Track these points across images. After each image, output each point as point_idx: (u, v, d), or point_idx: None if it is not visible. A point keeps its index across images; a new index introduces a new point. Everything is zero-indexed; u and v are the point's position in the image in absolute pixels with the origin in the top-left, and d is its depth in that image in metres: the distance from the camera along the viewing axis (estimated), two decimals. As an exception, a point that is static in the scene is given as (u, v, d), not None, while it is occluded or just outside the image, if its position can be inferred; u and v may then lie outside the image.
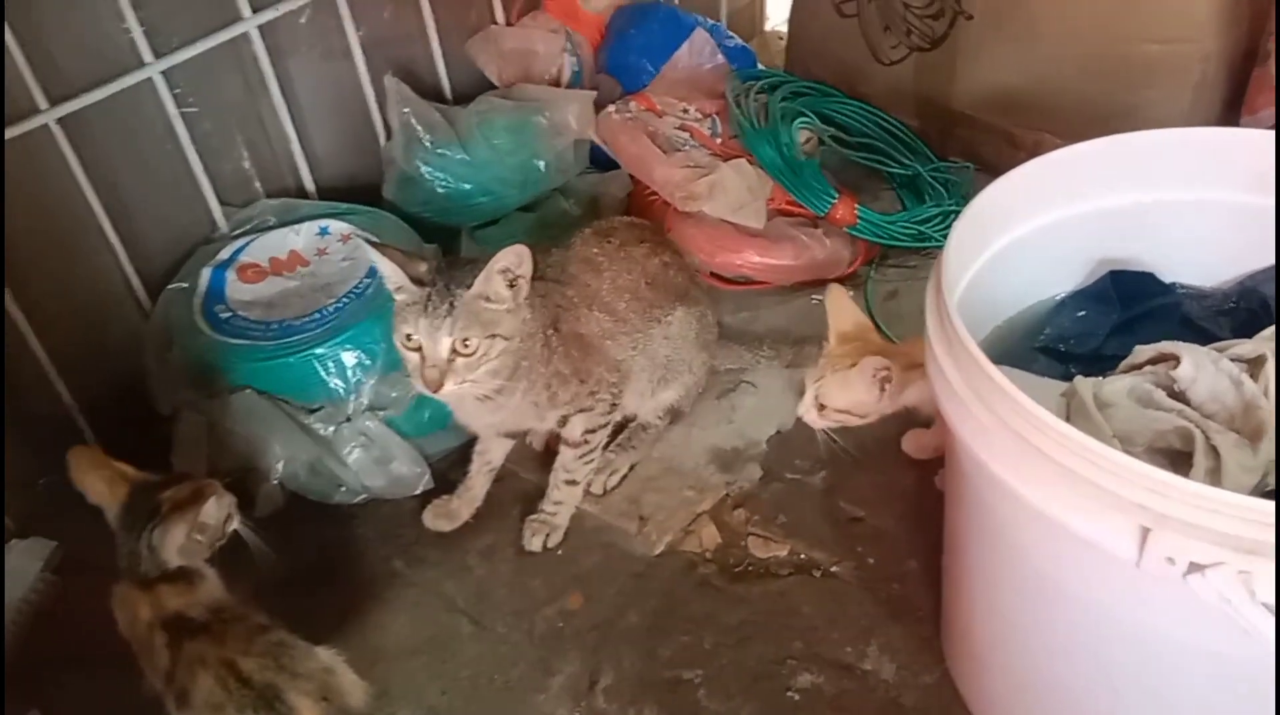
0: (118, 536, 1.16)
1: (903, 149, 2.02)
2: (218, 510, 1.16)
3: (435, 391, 1.27)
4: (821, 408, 1.35)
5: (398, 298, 1.29)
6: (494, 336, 1.28)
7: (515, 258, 1.26)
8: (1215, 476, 0.94)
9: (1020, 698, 1.13)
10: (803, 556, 1.44)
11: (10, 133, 1.44)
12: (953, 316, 0.95)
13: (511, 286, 1.28)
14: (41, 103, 1.46)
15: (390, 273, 1.28)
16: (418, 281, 1.27)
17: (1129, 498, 0.80)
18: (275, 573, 1.35)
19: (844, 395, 1.33)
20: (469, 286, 1.25)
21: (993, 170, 1.16)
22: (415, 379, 1.29)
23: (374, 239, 1.65)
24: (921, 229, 1.84)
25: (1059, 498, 0.84)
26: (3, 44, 1.40)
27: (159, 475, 1.21)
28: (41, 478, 1.59)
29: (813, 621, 1.36)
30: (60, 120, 1.49)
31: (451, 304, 1.24)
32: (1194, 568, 0.78)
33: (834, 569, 1.42)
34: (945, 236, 1.86)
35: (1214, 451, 0.95)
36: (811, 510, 1.50)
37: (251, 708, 1.05)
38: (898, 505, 1.48)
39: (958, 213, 1.80)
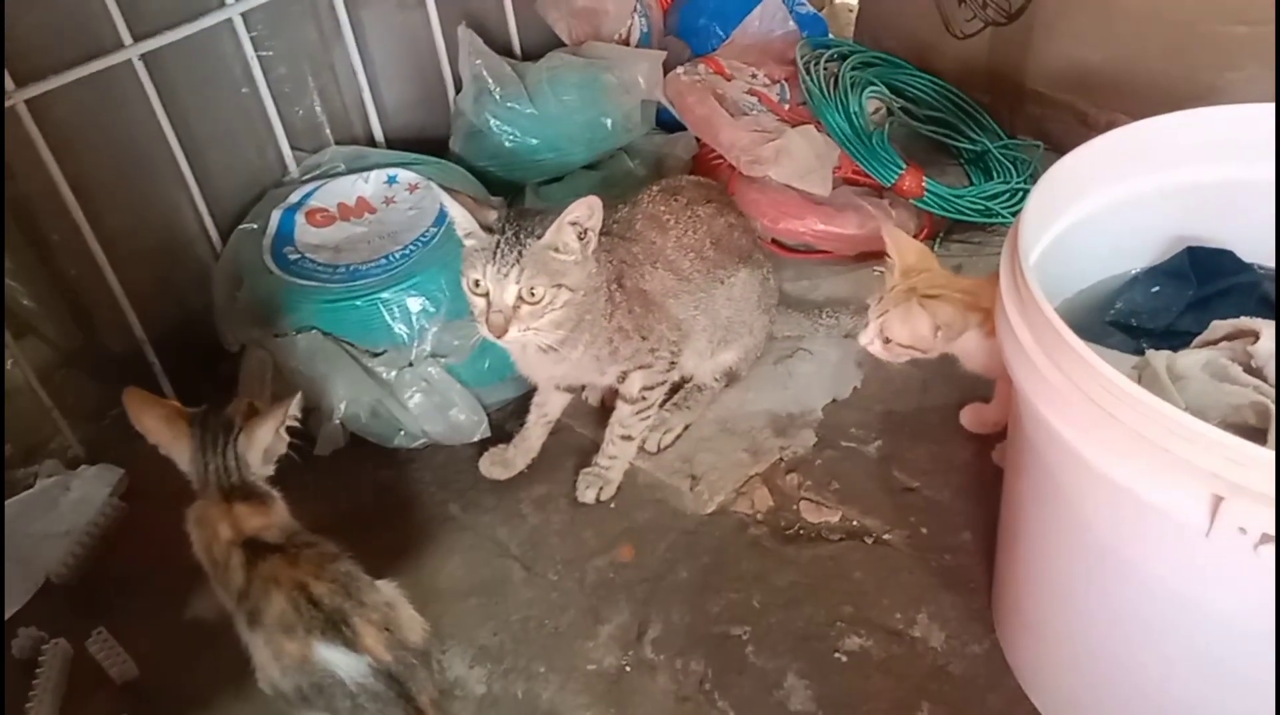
0: (193, 462, 1.19)
1: (972, 124, 2.00)
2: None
3: (499, 337, 1.29)
4: (887, 341, 1.33)
5: (466, 243, 1.30)
6: (560, 286, 1.29)
7: (587, 210, 1.27)
8: (1289, 454, 0.93)
9: (1071, 669, 1.13)
10: (855, 523, 1.45)
11: (95, 66, 1.47)
12: (1028, 278, 0.94)
13: (581, 238, 1.29)
14: (126, 38, 1.49)
15: (461, 218, 1.29)
16: (487, 228, 1.28)
17: (1203, 466, 0.79)
18: (335, 506, 1.40)
19: (906, 329, 1.31)
20: (539, 236, 1.26)
21: (1062, 149, 1.15)
22: (480, 323, 1.31)
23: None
24: (989, 205, 1.82)
25: (1130, 463, 0.84)
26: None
27: (204, 406, 1.24)
28: (111, 409, 1.64)
29: (863, 587, 1.36)
30: (143, 57, 1.51)
31: (520, 252, 1.26)
32: (1266, 539, 0.78)
33: (886, 537, 1.42)
34: (1013, 213, 1.85)
35: (1289, 429, 0.94)
36: (865, 478, 1.50)
37: (320, 629, 1.08)
38: (954, 477, 1.48)
39: (1026, 190, 1.78)
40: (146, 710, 1.33)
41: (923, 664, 1.27)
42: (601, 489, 1.52)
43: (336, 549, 1.18)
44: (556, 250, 1.28)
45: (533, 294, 1.27)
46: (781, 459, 1.54)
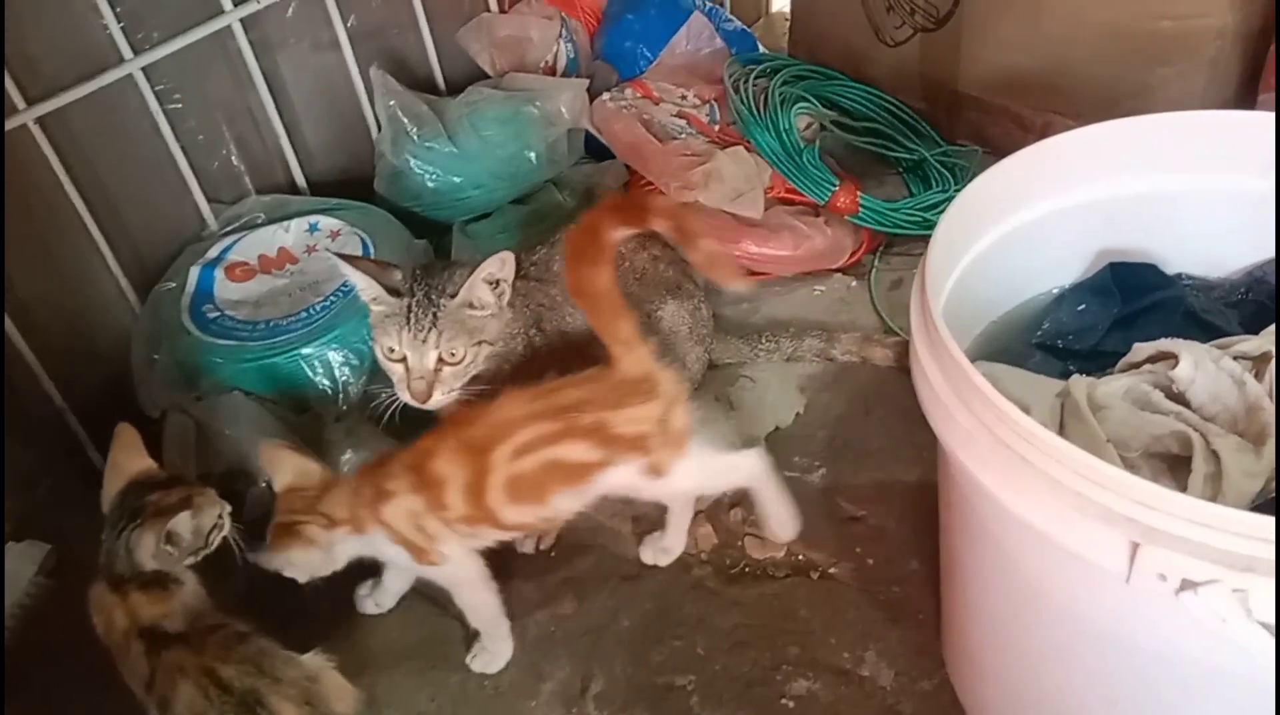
0: (104, 530, 1.16)
1: (908, 133, 1.97)
2: (193, 522, 1.14)
3: (423, 403, 1.25)
4: None
5: (374, 309, 1.26)
6: (480, 343, 1.26)
7: (499, 264, 1.25)
8: (1216, 482, 0.89)
9: (1017, 707, 1.09)
10: (800, 557, 1.41)
11: (-13, 132, 1.42)
12: (935, 317, 0.91)
13: (495, 290, 1.26)
14: (19, 102, 1.44)
15: (365, 285, 1.26)
16: (394, 292, 1.24)
17: (1117, 510, 0.75)
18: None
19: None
20: (452, 295, 1.23)
21: (1001, 153, 1.12)
22: (401, 390, 1.27)
23: (363, 235, 1.64)
24: (926, 216, 1.78)
25: (1045, 509, 0.80)
26: (2, 39, 1.37)
27: (163, 474, 1.20)
28: (39, 481, 1.58)
29: (809, 625, 1.32)
30: (39, 120, 1.46)
31: (435, 314, 1.22)
32: (1186, 585, 0.74)
33: (832, 570, 1.38)
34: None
35: (1215, 456, 0.90)
36: (810, 509, 1.44)
37: (234, 713, 1.04)
38: (899, 504, 1.44)
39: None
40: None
41: (872, 705, 1.23)
42: (541, 537, 1.47)
43: (246, 628, 1.14)
44: (472, 307, 1.24)
45: (453, 355, 1.24)
46: (724, 493, 1.50)
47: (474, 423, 1.17)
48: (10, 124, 1.44)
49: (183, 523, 1.12)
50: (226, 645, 1.08)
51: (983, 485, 0.85)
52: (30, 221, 1.52)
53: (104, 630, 1.13)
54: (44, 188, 1.51)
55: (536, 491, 1.19)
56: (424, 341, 1.22)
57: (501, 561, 1.45)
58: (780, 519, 1.35)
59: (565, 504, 1.22)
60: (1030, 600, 0.95)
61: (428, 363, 1.23)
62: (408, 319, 1.22)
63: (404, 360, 1.24)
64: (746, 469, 1.29)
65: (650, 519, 1.45)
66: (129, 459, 1.19)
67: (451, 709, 1.30)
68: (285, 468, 1.20)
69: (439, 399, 1.25)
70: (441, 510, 1.19)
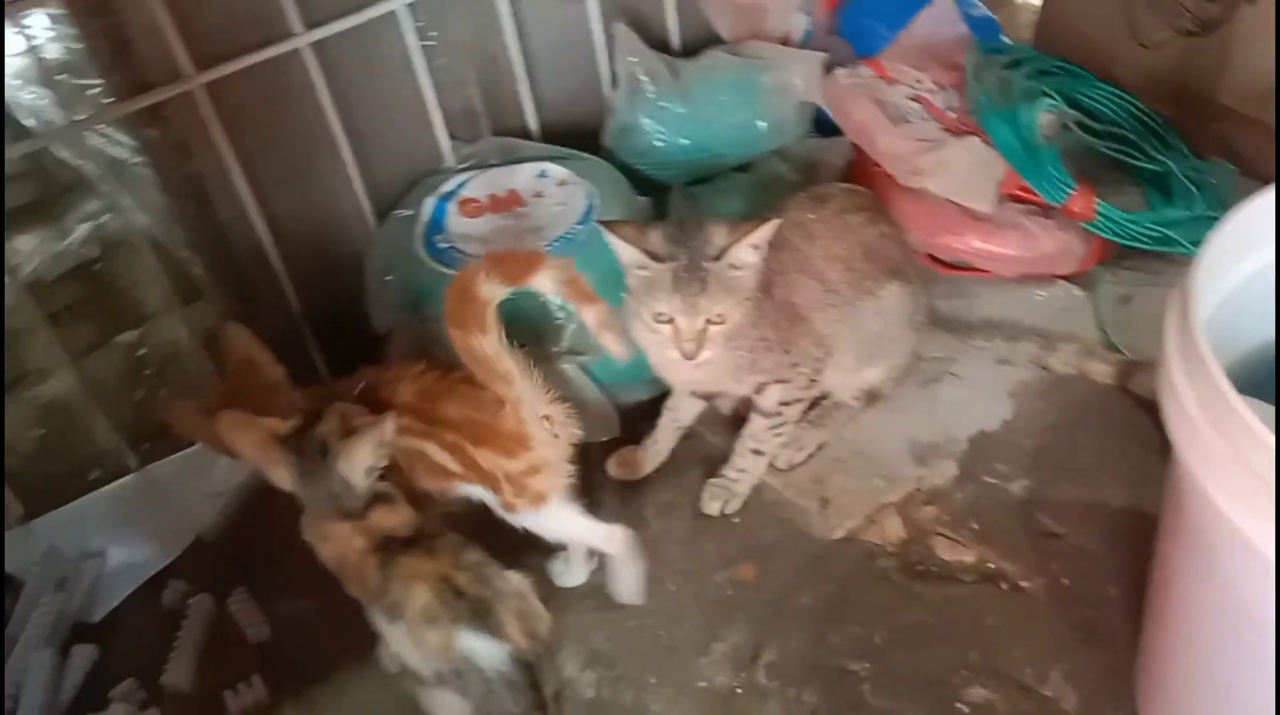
0: (300, 489, 1.17)
1: (1155, 142, 1.86)
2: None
3: (692, 359, 1.30)
4: None
5: (637, 274, 1.30)
6: (744, 301, 1.30)
7: (770, 232, 1.27)
8: None
9: (1218, 754, 1.04)
10: (991, 566, 1.38)
11: (269, 53, 1.53)
12: (1196, 333, 0.86)
13: (756, 251, 1.29)
14: (297, 26, 1.54)
15: (628, 253, 1.29)
16: (656, 257, 1.27)
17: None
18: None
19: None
20: (715, 258, 1.26)
21: (1255, 173, 1.04)
22: (666, 349, 1.31)
23: (589, 187, 1.68)
24: (1167, 232, 1.68)
25: (1305, 556, 0.76)
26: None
27: (295, 419, 1.19)
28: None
29: (994, 635, 1.30)
30: (312, 45, 1.56)
31: (704, 278, 1.26)
32: None
33: (1023, 584, 1.35)
34: (1193, 243, 1.70)
35: None
36: (1007, 519, 1.43)
37: (466, 619, 1.09)
38: (1103, 525, 1.39)
39: (1210, 219, 1.64)
40: (273, 672, 1.38)
41: (1051, 725, 1.20)
42: (727, 502, 1.49)
43: (463, 537, 1.19)
44: (734, 267, 1.27)
45: (720, 316, 1.28)
46: (919, 489, 1.48)
47: (382, 384, 1.28)
48: (287, 46, 1.55)
49: (389, 428, 1.16)
50: (454, 552, 1.13)
51: (1230, 521, 0.82)
52: (292, 138, 1.63)
53: (337, 556, 1.17)
54: (308, 108, 1.62)
55: (406, 464, 1.26)
56: (693, 306, 1.26)
57: (688, 517, 1.49)
58: (628, 586, 1.38)
59: (432, 487, 1.30)
60: (1261, 649, 0.90)
61: (698, 325, 1.27)
62: (675, 283, 1.25)
63: (672, 321, 1.28)
64: (608, 537, 1.35)
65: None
66: (253, 432, 1.18)
67: (625, 653, 1.34)
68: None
69: (706, 357, 1.30)
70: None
